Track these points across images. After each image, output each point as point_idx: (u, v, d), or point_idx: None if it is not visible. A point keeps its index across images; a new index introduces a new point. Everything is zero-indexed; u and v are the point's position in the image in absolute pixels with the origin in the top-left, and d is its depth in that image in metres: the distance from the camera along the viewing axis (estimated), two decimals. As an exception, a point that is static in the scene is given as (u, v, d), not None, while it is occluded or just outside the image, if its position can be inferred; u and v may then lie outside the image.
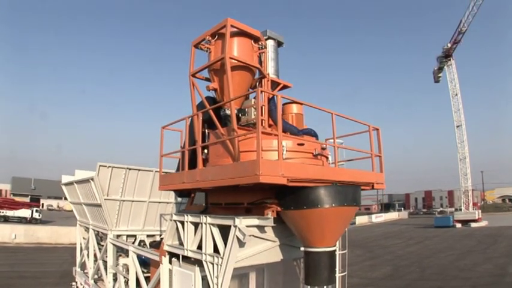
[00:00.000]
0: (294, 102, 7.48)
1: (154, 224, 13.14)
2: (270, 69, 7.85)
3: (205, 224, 6.45)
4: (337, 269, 6.22)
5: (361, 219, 75.74)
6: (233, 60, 6.72)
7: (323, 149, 6.61)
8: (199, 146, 6.41)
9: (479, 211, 53.25)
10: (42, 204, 72.92)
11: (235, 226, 5.70)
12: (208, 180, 5.74)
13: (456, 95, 54.68)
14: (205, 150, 7.00)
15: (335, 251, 5.99)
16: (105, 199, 11.48)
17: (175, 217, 7.58)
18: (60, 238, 33.76)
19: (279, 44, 8.34)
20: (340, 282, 8.41)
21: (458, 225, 50.23)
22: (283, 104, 7.86)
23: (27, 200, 64.96)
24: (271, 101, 7.41)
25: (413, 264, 24.78)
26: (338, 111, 6.49)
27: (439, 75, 59.04)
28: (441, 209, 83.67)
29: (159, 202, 12.98)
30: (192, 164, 6.70)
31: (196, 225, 6.90)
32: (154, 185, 12.63)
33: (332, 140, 6.75)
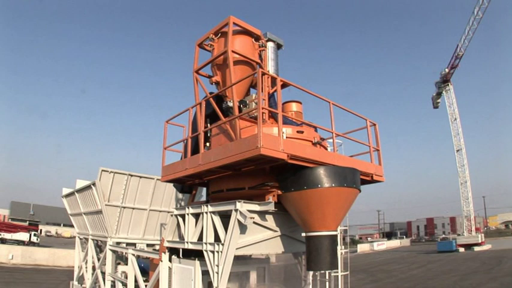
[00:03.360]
0: (290, 85, 7.62)
1: (155, 233, 13.07)
2: (270, 68, 8.07)
3: (207, 213, 6.50)
4: (339, 256, 6.16)
5: (363, 247, 74.59)
6: (235, 55, 6.96)
7: (322, 139, 6.73)
8: (201, 131, 6.55)
9: (482, 235, 52.63)
10: (41, 230, 72.04)
11: (236, 210, 5.77)
12: (210, 162, 5.83)
13: (455, 119, 54.99)
14: (208, 144, 7.14)
15: (337, 236, 6.01)
16: (106, 205, 11.49)
17: (176, 212, 7.62)
18: (58, 260, 33.27)
19: (279, 46, 8.61)
20: (342, 281, 8.37)
21: (461, 249, 49.46)
22: (283, 103, 8.05)
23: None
24: (271, 98, 7.61)
25: (417, 285, 24.33)
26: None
27: (438, 100, 59.60)
28: (443, 235, 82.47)
29: (160, 211, 12.95)
30: (195, 154, 6.81)
31: (197, 216, 6.94)
32: (155, 193, 12.67)
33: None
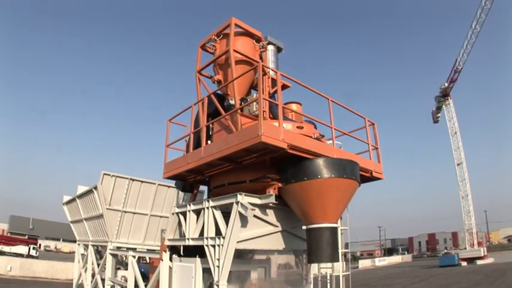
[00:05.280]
0: (289, 79, 7.73)
1: (155, 239, 13.05)
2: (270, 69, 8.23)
3: (208, 208, 6.56)
4: (339, 249, 6.18)
5: (364, 263, 73.87)
6: (237, 54, 7.13)
7: (321, 135, 6.84)
8: (204, 125, 6.66)
9: (485, 248, 52.16)
10: (40, 244, 71.57)
11: (237, 202, 5.83)
12: (212, 153, 5.93)
13: (455, 133, 55.07)
14: (210, 141, 7.24)
15: (337, 228, 6.05)
16: (107, 208, 11.54)
17: (177, 210, 7.69)
18: (57, 273, 32.88)
19: (279, 49, 8.80)
20: (343, 282, 8.35)
21: (464, 263, 48.93)
22: (284, 104, 8.18)
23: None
24: (271, 98, 7.75)
25: (419, 298, 23.97)
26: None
27: (438, 115, 59.80)
28: (446, 251, 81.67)
29: (161, 216, 12.97)
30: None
31: (198, 213, 7.00)
32: (156, 198, 12.73)
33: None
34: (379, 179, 7.48)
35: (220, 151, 5.74)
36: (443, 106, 57.21)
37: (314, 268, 8.36)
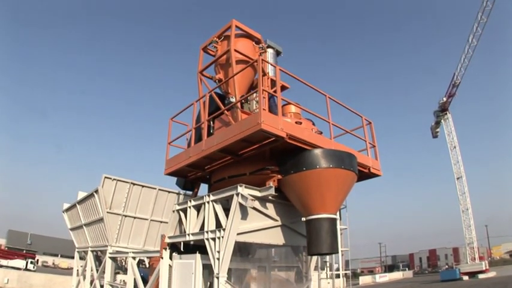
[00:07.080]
0: (286, 73, 7.92)
1: (155, 244, 13.01)
2: (269, 71, 8.44)
3: (208, 202, 6.66)
4: (339, 241, 6.24)
5: (365, 279, 73.08)
6: (237, 54, 7.35)
7: (320, 132, 6.99)
8: (205, 120, 6.81)
9: (486, 262, 51.66)
10: (37, 260, 70.95)
11: (237, 194, 5.94)
12: (213, 145, 6.07)
13: (455, 147, 55.17)
14: (210, 138, 7.40)
15: (336, 220, 6.13)
16: (107, 212, 11.57)
17: (177, 207, 7.78)
18: (55, 286, 32.60)
19: (278, 53, 9.03)
20: (344, 281, 8.39)
21: (465, 277, 48.50)
22: (282, 106, 8.35)
23: (21, 255, 63.17)
24: (270, 99, 7.94)
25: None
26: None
27: (437, 130, 59.99)
28: (447, 266, 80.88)
29: (161, 222, 12.99)
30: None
31: (198, 208, 7.09)
32: (157, 203, 12.77)
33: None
34: (377, 175, 7.60)
35: (221, 142, 5.88)
36: (442, 121, 57.44)
37: (314, 266, 8.42)
